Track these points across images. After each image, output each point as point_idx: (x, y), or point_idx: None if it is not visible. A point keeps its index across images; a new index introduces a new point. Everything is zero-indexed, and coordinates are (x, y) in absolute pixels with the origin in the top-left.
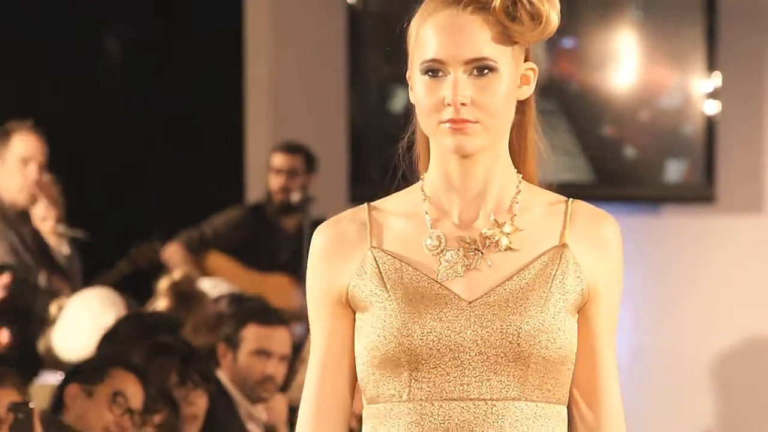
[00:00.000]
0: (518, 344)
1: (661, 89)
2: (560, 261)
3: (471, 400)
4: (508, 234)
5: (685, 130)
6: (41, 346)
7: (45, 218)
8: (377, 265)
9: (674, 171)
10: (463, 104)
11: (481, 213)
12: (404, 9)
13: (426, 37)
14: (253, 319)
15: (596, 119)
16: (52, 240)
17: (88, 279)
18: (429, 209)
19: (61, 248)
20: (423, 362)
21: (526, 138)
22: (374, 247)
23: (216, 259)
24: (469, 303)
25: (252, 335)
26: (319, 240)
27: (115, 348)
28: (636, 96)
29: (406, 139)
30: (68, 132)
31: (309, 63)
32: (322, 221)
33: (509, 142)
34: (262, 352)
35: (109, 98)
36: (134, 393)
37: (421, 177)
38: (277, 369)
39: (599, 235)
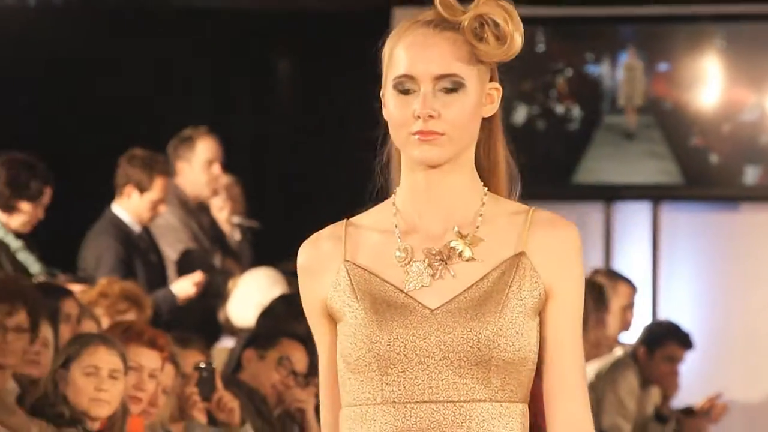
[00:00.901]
0: (479, 348)
1: (741, 106)
2: (517, 268)
3: (440, 402)
4: (470, 245)
5: (761, 140)
6: (220, 316)
7: (222, 209)
8: (349, 277)
9: (752, 175)
10: (431, 117)
11: (447, 225)
12: (525, 37)
13: (398, 55)
14: None
15: (686, 131)
16: (226, 228)
17: (259, 263)
18: (399, 222)
19: (234, 235)
20: (392, 367)
21: (495, 154)
22: (347, 261)
23: None
24: (432, 311)
25: None
26: (300, 258)
27: (271, 322)
28: (720, 111)
29: (385, 154)
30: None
31: None
32: None
33: (477, 158)
34: None
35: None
36: (299, 359)
37: (394, 191)
38: None
39: (557, 241)
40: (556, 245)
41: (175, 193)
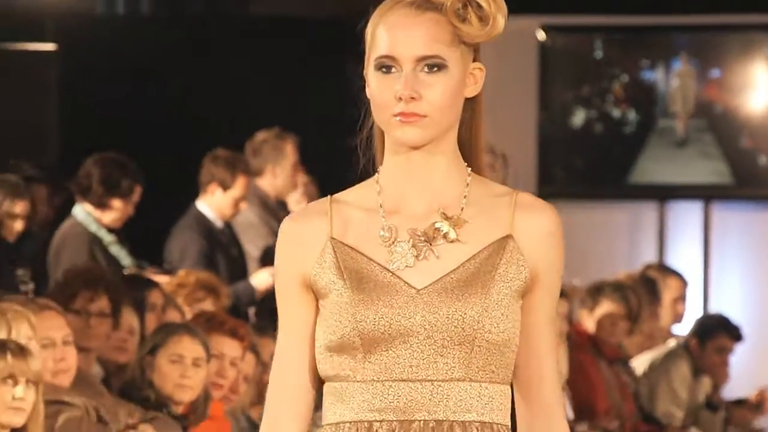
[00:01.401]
0: (463, 328)
1: None
2: (504, 251)
3: (418, 381)
4: (455, 226)
5: None
6: None
7: (299, 203)
8: (335, 255)
9: None
10: (413, 98)
11: (431, 205)
12: (584, 44)
13: (380, 35)
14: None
15: (736, 134)
16: None
17: None
18: (383, 202)
19: None
20: (375, 345)
21: (477, 134)
22: (334, 239)
23: None
24: (418, 291)
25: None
26: (285, 231)
27: None
28: None
29: (365, 133)
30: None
31: (508, 88)
32: None
33: (460, 139)
34: None
35: None
36: None
37: (378, 170)
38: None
39: (541, 225)
40: (541, 229)
41: (255, 192)
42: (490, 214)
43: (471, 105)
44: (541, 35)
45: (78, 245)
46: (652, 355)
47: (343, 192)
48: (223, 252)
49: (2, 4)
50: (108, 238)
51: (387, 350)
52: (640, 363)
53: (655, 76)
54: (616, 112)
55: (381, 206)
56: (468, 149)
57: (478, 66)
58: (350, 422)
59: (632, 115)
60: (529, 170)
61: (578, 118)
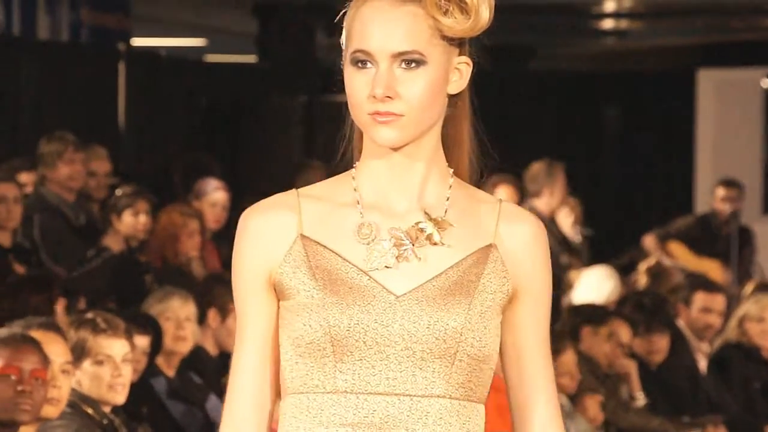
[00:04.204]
0: (444, 341)
1: None
2: (488, 261)
3: (396, 395)
4: (439, 229)
5: None
6: (564, 302)
7: (568, 216)
8: (306, 253)
9: None
10: (388, 97)
11: (412, 205)
12: None
13: (357, 27)
14: (700, 287)
15: None
16: (569, 233)
17: (595, 261)
18: (360, 198)
19: (574, 239)
20: (348, 354)
21: (460, 133)
22: (304, 236)
23: (675, 247)
24: (398, 297)
25: (699, 298)
26: (249, 223)
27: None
28: None
29: (348, 128)
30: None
31: (736, 128)
32: (745, 228)
33: (444, 136)
34: (706, 310)
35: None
36: (626, 334)
37: (354, 165)
38: (716, 319)
39: (526, 237)
40: (526, 241)
41: (530, 210)
42: (473, 220)
43: (456, 101)
44: (765, 83)
45: None
46: None
47: (310, 186)
48: None
49: None
50: None
51: (361, 360)
52: None
53: None
54: None
55: (359, 202)
56: (451, 149)
57: (464, 60)
58: None
59: None
60: (754, 197)
61: None
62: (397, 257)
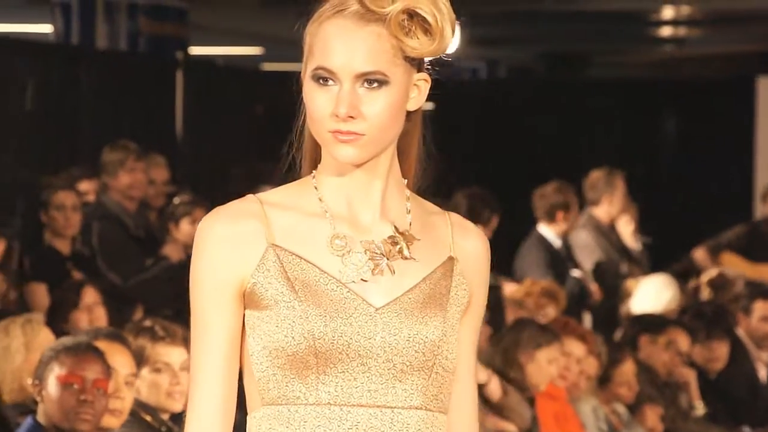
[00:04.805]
0: (423, 353)
1: None
2: (453, 274)
3: (378, 407)
4: (408, 243)
5: None
6: (622, 310)
7: (628, 224)
8: (281, 263)
9: None
10: (351, 117)
11: (376, 218)
12: None
13: (319, 43)
14: (760, 296)
15: None
16: (629, 241)
17: (655, 269)
18: (328, 209)
19: (634, 247)
20: (331, 366)
21: (411, 146)
22: (276, 245)
23: (729, 257)
24: (377, 309)
25: (759, 307)
26: (217, 228)
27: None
28: None
29: (296, 135)
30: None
31: None
32: None
33: (398, 148)
34: (767, 319)
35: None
36: (685, 342)
37: (313, 175)
38: None
39: (477, 249)
40: (478, 253)
41: (590, 218)
42: (432, 233)
43: (410, 115)
44: None
45: None
46: None
47: (268, 193)
48: (562, 266)
49: None
50: None
51: (343, 372)
52: None
53: None
54: None
55: (327, 213)
56: (402, 162)
57: (423, 77)
58: None
59: None
60: None
61: None
62: (372, 270)
